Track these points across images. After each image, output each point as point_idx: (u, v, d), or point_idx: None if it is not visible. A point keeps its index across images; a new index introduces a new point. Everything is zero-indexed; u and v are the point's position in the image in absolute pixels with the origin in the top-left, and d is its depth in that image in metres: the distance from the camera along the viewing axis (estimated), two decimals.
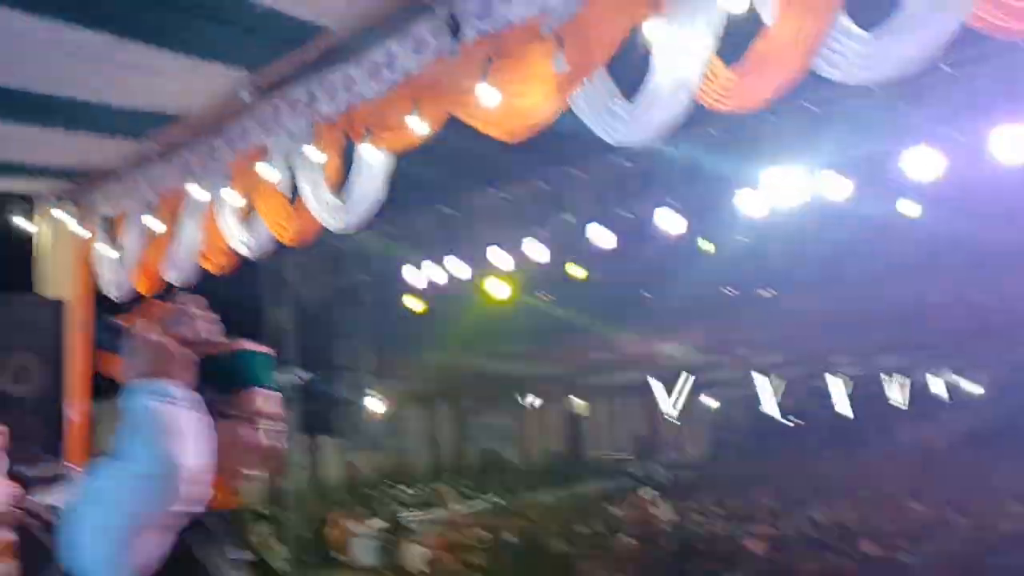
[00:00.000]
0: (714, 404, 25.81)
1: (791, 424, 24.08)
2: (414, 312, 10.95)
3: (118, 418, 1.38)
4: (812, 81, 2.92)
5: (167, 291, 6.02)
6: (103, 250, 6.35)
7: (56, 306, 6.44)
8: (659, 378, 22.37)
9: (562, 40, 3.47)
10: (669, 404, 23.60)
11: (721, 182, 7.26)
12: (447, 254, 8.96)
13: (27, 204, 6.63)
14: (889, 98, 6.38)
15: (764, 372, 22.19)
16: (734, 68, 3.04)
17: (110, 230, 6.34)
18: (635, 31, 3.29)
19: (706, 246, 9.21)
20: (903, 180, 6.91)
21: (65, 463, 6.20)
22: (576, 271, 9.41)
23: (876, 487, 13.65)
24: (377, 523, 12.40)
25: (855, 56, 2.77)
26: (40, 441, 5.97)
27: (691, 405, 24.35)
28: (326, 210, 4.70)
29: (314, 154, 4.64)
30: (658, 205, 7.55)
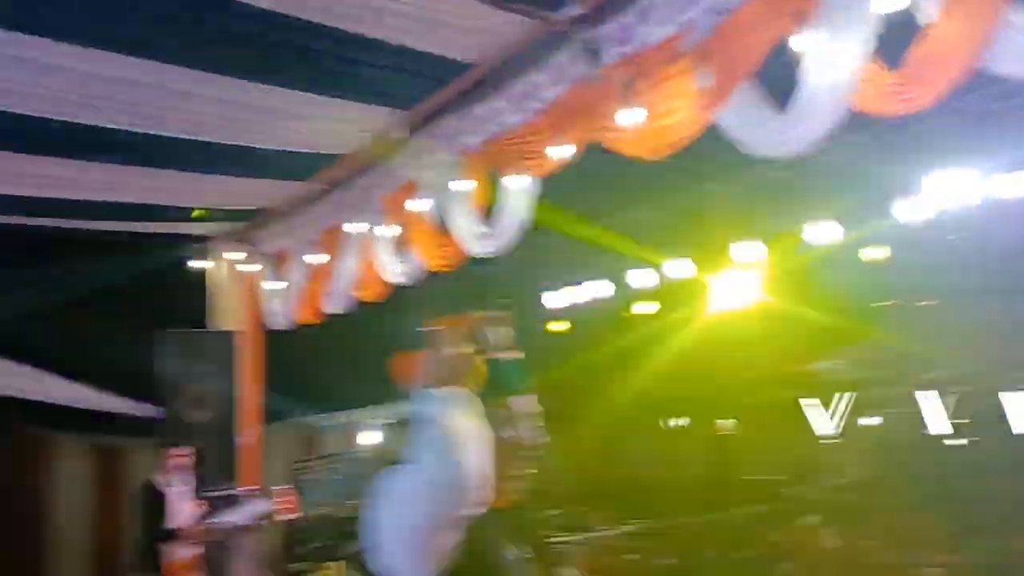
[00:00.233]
0: (876, 422, 24.36)
1: (962, 444, 22.37)
2: (555, 333, 11.00)
3: (407, 424, 1.45)
4: (983, 78, 2.74)
5: (326, 320, 6.36)
6: (269, 285, 6.80)
7: (229, 338, 6.95)
8: (816, 396, 21.35)
9: (705, 56, 3.44)
10: (827, 423, 22.45)
11: (880, 189, 6.90)
12: (588, 275, 8.98)
13: (202, 245, 7.21)
14: None
15: (931, 388, 20.76)
16: (895, 72, 2.90)
17: (275, 266, 6.80)
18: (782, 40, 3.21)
19: (864, 256, 8.77)
20: None
21: (241, 485, 6.65)
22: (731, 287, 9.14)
23: None
24: (523, 546, 12.44)
25: None
26: (217, 465, 6.45)
27: (851, 424, 23.07)
28: (474, 237, 4.84)
29: (461, 185, 4.80)
30: (811, 216, 7.28)
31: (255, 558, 6.01)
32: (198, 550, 5.69)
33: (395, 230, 5.43)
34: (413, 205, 5.14)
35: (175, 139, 4.88)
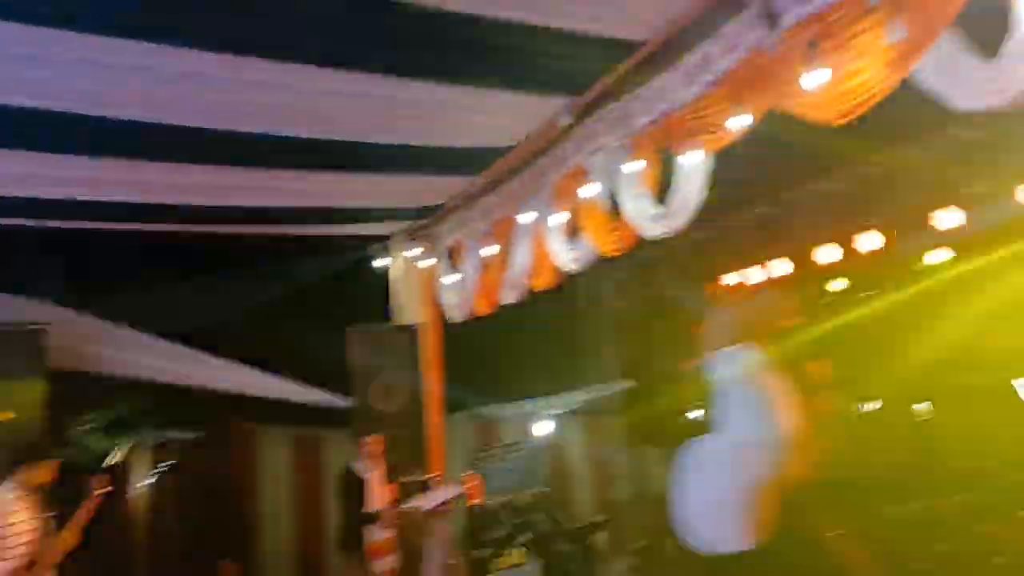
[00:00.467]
0: None
1: None
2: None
3: (711, 390, 1.40)
4: None
5: (500, 311, 6.49)
6: (446, 279, 7.02)
7: (412, 332, 7.25)
8: None
9: (897, 8, 3.19)
10: None
11: None
12: (766, 255, 8.58)
13: (383, 243, 7.55)
14: None
15: None
16: None
17: (451, 260, 7.00)
18: None
19: None
20: None
21: (429, 472, 6.92)
22: (933, 257, 8.38)
23: None
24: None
25: None
26: (406, 452, 6.74)
27: None
28: (647, 219, 4.76)
29: (632, 167, 4.73)
30: (1018, 179, 6.60)
31: (446, 542, 6.23)
32: (393, 533, 5.98)
33: (565, 217, 5.44)
34: (583, 191, 5.13)
35: (352, 143, 5.11)
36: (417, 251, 7.28)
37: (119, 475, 10.15)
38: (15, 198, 5.38)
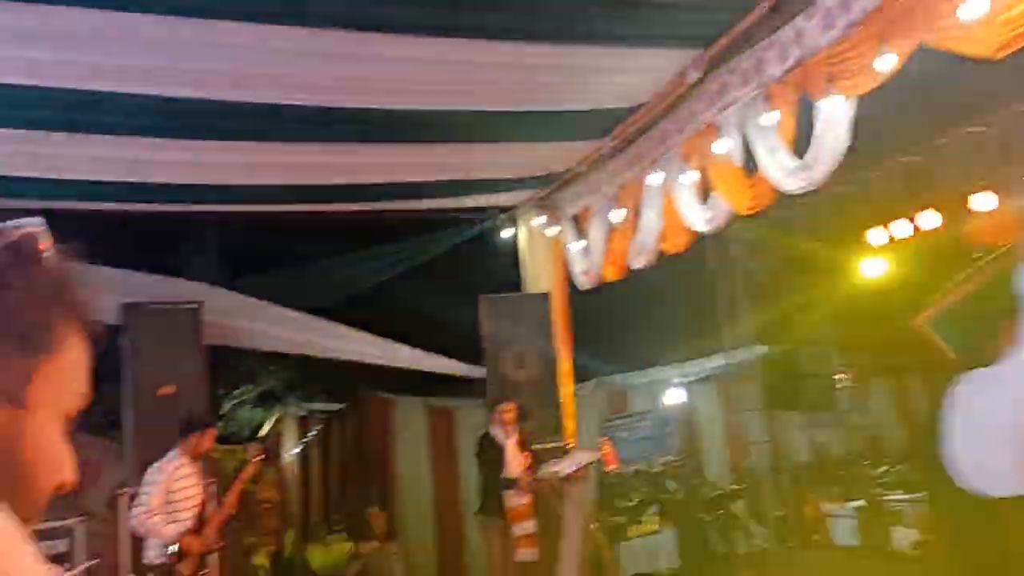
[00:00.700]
0: None
1: None
2: (876, 278, 10.03)
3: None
4: None
5: (629, 277, 6.40)
6: (573, 246, 6.98)
7: (542, 300, 7.27)
8: None
9: None
10: None
11: None
12: (912, 208, 8.04)
13: (510, 213, 7.59)
14: None
15: None
16: None
17: (577, 227, 6.95)
18: None
19: None
20: None
21: (563, 438, 6.96)
22: None
23: None
24: (854, 504, 11.69)
25: None
26: (539, 420, 6.79)
27: None
28: (785, 173, 4.54)
29: (768, 119, 4.53)
30: None
31: (584, 507, 6.26)
32: (531, 498, 6.06)
33: (696, 176, 5.28)
34: (715, 147, 4.95)
35: (480, 112, 5.12)
36: (542, 219, 7.27)
37: (271, 444, 10.82)
38: (180, 186, 5.70)
